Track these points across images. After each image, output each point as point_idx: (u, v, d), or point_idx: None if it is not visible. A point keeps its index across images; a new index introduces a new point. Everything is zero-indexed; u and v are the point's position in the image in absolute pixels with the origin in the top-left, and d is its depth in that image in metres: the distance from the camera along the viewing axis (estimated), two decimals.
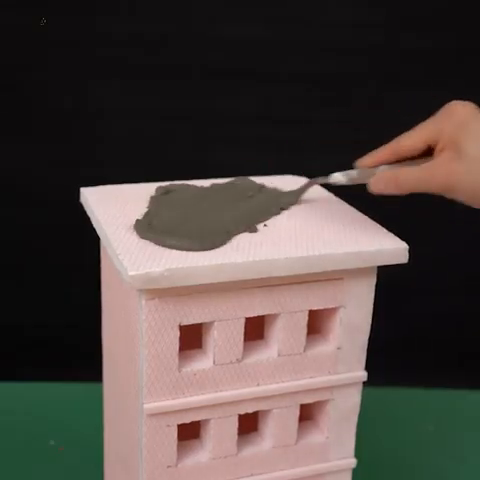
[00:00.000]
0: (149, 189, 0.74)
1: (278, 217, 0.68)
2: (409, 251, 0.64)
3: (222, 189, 0.74)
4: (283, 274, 0.60)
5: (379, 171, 0.66)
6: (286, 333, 0.64)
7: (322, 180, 0.70)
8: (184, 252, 0.59)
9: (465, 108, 0.63)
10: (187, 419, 0.63)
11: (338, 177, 0.69)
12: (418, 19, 1.45)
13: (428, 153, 0.65)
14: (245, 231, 0.64)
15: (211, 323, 0.61)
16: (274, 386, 0.65)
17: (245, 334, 0.63)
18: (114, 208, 0.69)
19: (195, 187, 0.74)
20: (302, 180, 0.79)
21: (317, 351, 0.66)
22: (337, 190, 0.76)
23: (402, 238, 0.65)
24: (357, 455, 0.72)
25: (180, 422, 0.63)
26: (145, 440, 0.63)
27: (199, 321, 0.61)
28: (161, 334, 0.60)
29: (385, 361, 1.20)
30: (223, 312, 0.61)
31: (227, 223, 0.65)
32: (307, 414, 0.71)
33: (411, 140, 0.65)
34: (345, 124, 1.43)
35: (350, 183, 0.68)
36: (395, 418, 1.02)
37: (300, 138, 1.47)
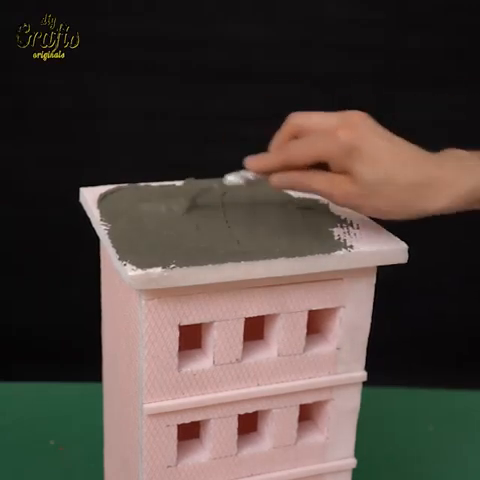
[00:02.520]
0: (149, 189, 0.74)
1: (278, 217, 0.68)
2: (409, 251, 0.64)
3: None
4: (283, 274, 0.60)
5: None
6: (286, 333, 0.64)
7: (217, 183, 0.68)
8: (184, 252, 0.59)
9: (353, 132, 0.60)
10: (187, 419, 0.63)
11: (232, 180, 0.65)
12: (418, 19, 1.45)
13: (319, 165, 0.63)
14: None
15: (211, 323, 0.61)
16: (274, 386, 0.65)
17: (245, 334, 0.63)
18: (114, 208, 0.69)
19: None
20: None
21: (317, 351, 0.66)
22: None
23: (402, 238, 0.65)
24: (357, 455, 0.72)
25: (180, 422, 0.63)
26: (145, 440, 0.63)
27: (199, 321, 0.61)
28: (161, 334, 0.60)
29: (385, 361, 1.20)
30: (223, 312, 0.61)
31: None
32: (307, 414, 0.71)
33: (300, 154, 0.62)
34: None
35: (244, 183, 0.65)
36: (395, 418, 1.02)
37: None
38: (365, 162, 0.59)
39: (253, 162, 0.64)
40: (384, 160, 0.59)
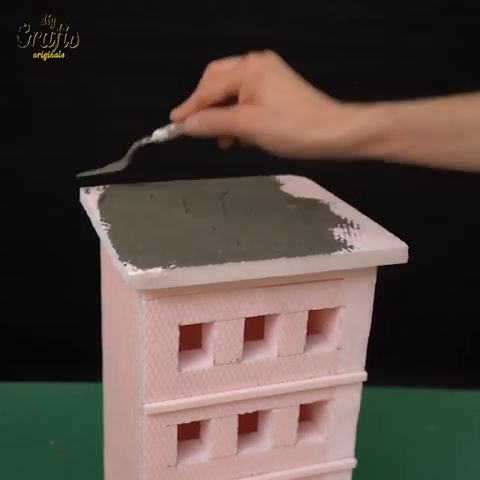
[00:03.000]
0: (149, 189, 0.74)
1: (278, 217, 0.68)
2: (409, 251, 0.64)
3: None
4: (283, 274, 0.60)
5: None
6: (286, 333, 0.64)
7: (146, 141, 0.72)
8: (184, 252, 0.59)
9: (260, 60, 0.67)
10: (187, 419, 0.63)
11: (159, 134, 0.71)
12: (418, 19, 1.45)
13: (230, 102, 0.68)
14: None
15: (211, 323, 0.61)
16: (274, 386, 0.65)
17: (245, 334, 0.63)
18: (114, 208, 0.69)
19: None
20: (303, 180, 0.79)
21: (317, 351, 0.66)
22: (337, 190, 0.76)
23: (402, 238, 0.65)
24: (357, 455, 0.72)
25: (180, 422, 0.63)
26: (145, 440, 0.63)
27: (199, 321, 0.61)
28: (161, 334, 0.60)
29: (385, 361, 1.20)
30: (223, 312, 0.61)
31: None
32: (307, 414, 0.71)
33: (212, 89, 0.67)
34: None
35: (171, 137, 0.71)
36: (395, 418, 1.02)
37: None
38: (268, 87, 0.64)
39: (174, 112, 0.71)
40: (286, 88, 0.65)
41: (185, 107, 0.70)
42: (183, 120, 0.70)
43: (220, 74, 0.68)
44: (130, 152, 0.73)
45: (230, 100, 0.67)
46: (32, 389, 1.05)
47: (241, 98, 0.66)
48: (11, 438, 0.95)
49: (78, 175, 0.74)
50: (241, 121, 0.64)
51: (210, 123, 0.67)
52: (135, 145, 0.73)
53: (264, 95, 0.64)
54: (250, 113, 0.64)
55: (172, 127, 0.71)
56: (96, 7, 1.39)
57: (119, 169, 0.72)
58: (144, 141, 0.72)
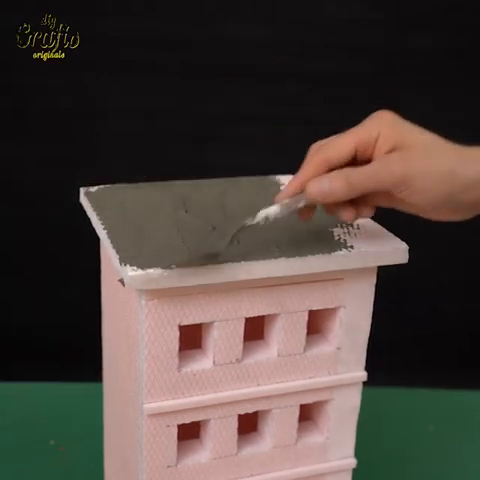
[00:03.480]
0: (149, 189, 0.74)
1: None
2: (409, 251, 0.64)
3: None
4: (283, 274, 0.60)
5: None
6: (286, 333, 0.64)
7: (250, 222, 0.61)
8: (184, 252, 0.59)
9: (386, 112, 0.62)
10: (187, 419, 0.63)
11: (269, 211, 0.61)
12: (418, 19, 1.45)
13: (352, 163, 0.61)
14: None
15: (211, 323, 0.61)
16: (274, 386, 0.65)
17: (245, 334, 0.63)
18: (114, 208, 0.69)
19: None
20: None
21: (317, 351, 0.66)
22: None
23: (402, 238, 0.65)
24: (357, 455, 0.72)
25: (180, 422, 0.63)
26: (145, 440, 0.63)
27: (199, 321, 0.61)
28: (161, 334, 0.60)
29: (385, 361, 1.20)
30: (223, 312, 0.61)
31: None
32: (307, 414, 0.71)
33: (339, 150, 0.60)
34: (345, 124, 1.43)
35: (285, 213, 0.61)
36: (395, 418, 1.02)
37: (300, 138, 1.47)
38: (411, 130, 0.60)
39: (280, 194, 0.62)
40: (422, 130, 0.60)
41: (299, 178, 0.61)
42: (296, 193, 0.61)
43: (339, 138, 0.61)
44: (232, 234, 0.61)
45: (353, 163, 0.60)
46: (32, 389, 1.05)
47: (382, 151, 0.59)
48: (11, 438, 0.95)
49: (178, 266, 0.59)
50: (397, 167, 0.58)
51: (349, 180, 0.58)
52: (238, 227, 0.61)
53: (410, 139, 0.59)
54: (406, 156, 0.58)
55: (285, 202, 0.61)
56: (96, 7, 1.39)
57: (219, 250, 0.59)
58: (248, 222, 0.61)
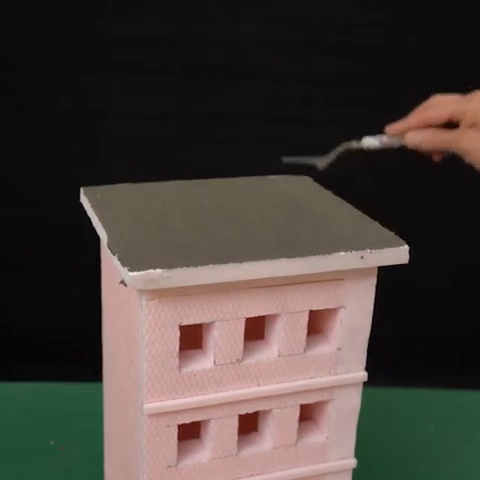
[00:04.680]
0: (149, 189, 0.74)
1: (278, 217, 0.68)
2: (410, 252, 0.64)
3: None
4: (283, 275, 0.60)
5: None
6: (286, 333, 0.64)
7: (355, 145, 0.78)
8: (185, 252, 0.59)
9: None
10: (187, 419, 0.63)
11: (369, 141, 0.77)
12: (418, 19, 1.45)
13: (446, 127, 0.79)
14: None
15: (211, 323, 0.61)
16: (274, 386, 0.65)
17: (245, 334, 0.63)
18: (114, 208, 0.69)
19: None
20: (303, 180, 0.79)
21: (317, 351, 0.66)
22: (337, 190, 0.76)
23: (403, 238, 0.65)
24: (357, 455, 0.72)
25: (180, 422, 0.63)
26: (145, 440, 0.63)
27: (199, 321, 0.61)
28: (161, 334, 0.60)
29: (385, 361, 1.20)
30: (223, 312, 0.61)
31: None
32: (307, 414, 0.71)
33: (438, 113, 0.79)
34: (345, 124, 1.43)
35: (381, 147, 0.78)
36: (395, 418, 1.02)
37: (300, 138, 1.47)
38: None
39: (392, 126, 0.80)
40: None
41: (405, 123, 0.81)
42: (398, 134, 0.80)
43: (446, 102, 0.80)
44: (336, 151, 0.76)
45: (447, 126, 0.78)
46: (32, 389, 1.05)
47: (465, 124, 0.77)
48: (11, 438, 0.95)
49: (284, 160, 0.79)
50: (465, 141, 0.77)
51: (434, 141, 0.79)
52: (343, 146, 0.77)
53: None
54: (475, 135, 0.76)
55: (384, 138, 0.79)
56: (96, 7, 1.39)
57: (320, 166, 0.77)
58: (354, 144, 0.77)
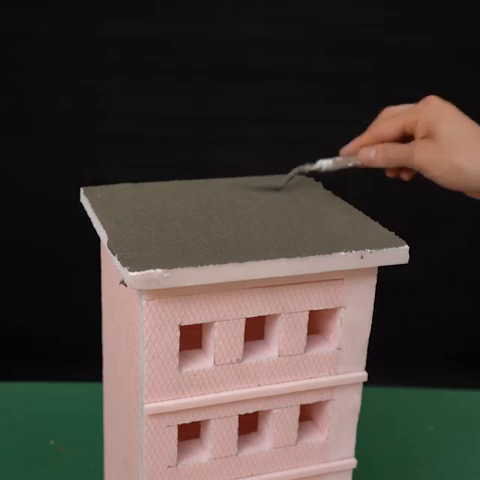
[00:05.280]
0: (149, 189, 0.74)
1: (278, 218, 0.68)
2: (410, 251, 0.64)
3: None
4: (283, 274, 0.60)
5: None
6: (286, 333, 0.64)
7: (308, 167, 0.75)
8: (185, 252, 0.59)
9: (440, 101, 0.72)
10: (187, 419, 0.63)
11: (323, 163, 0.75)
12: (418, 19, 1.45)
13: (402, 140, 0.74)
14: None
15: (211, 323, 0.61)
16: (274, 386, 0.65)
17: (245, 334, 0.63)
18: (114, 208, 0.69)
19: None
20: (303, 180, 0.79)
21: (317, 351, 0.66)
22: (337, 190, 0.76)
23: (402, 238, 0.65)
24: (357, 455, 0.72)
25: (180, 422, 0.63)
26: (145, 440, 0.63)
27: (199, 321, 0.61)
28: (161, 334, 0.60)
29: (385, 361, 1.20)
30: (223, 312, 0.61)
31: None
32: (307, 414, 0.71)
33: (389, 127, 0.73)
34: (345, 124, 1.43)
35: (336, 168, 0.75)
36: (395, 418, 1.02)
37: (301, 138, 1.47)
38: (448, 123, 0.69)
39: (344, 149, 0.77)
40: (464, 127, 0.70)
41: (357, 142, 0.76)
42: (351, 154, 0.76)
43: (397, 114, 0.74)
44: (289, 176, 0.75)
45: (403, 139, 0.74)
46: (32, 389, 1.05)
47: (418, 135, 0.72)
48: (11, 438, 0.95)
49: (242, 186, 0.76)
50: (418, 153, 0.71)
51: (387, 155, 0.73)
52: (295, 171, 0.75)
53: (442, 131, 0.69)
54: (427, 145, 0.70)
55: (338, 159, 0.76)
56: (96, 7, 1.39)
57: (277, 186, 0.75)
58: (307, 167, 0.75)
